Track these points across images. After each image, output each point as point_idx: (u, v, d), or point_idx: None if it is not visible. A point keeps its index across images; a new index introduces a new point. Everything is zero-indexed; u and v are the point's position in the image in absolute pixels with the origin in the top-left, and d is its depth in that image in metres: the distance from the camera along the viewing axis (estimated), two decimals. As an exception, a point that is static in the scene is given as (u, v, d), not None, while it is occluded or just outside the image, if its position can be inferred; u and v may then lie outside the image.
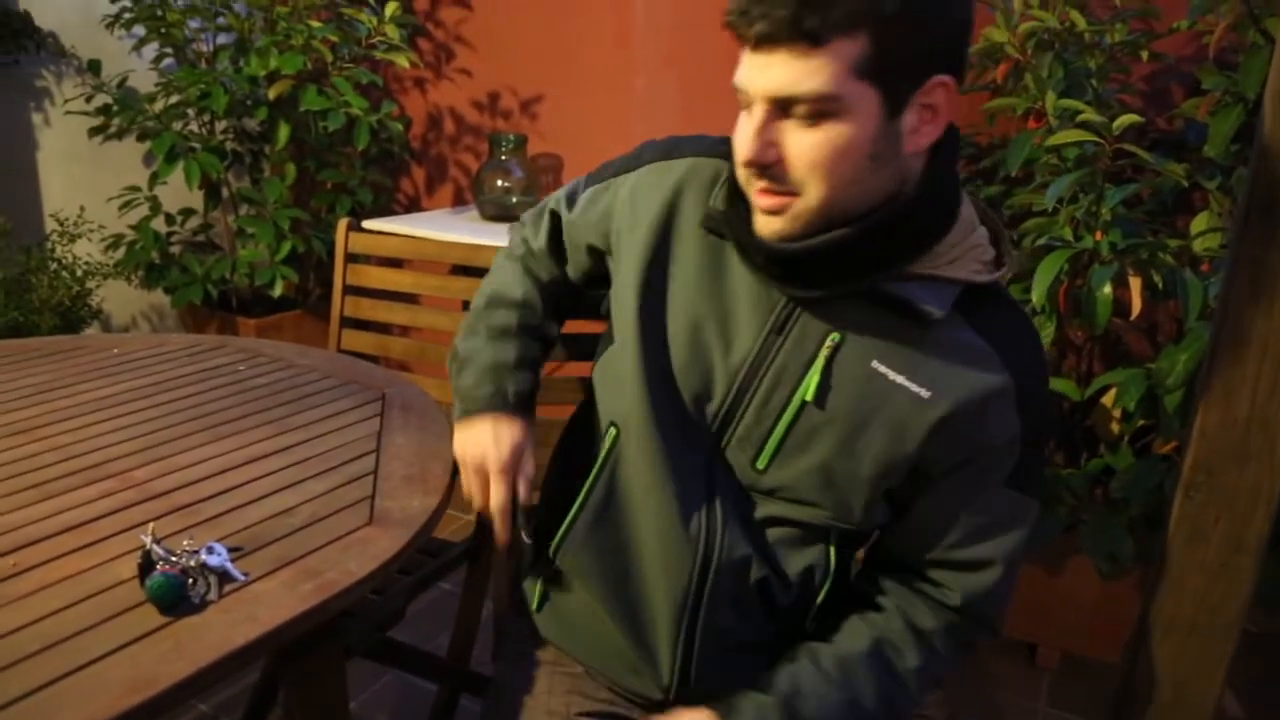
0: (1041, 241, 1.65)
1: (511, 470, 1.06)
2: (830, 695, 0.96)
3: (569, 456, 1.15)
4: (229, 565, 0.89)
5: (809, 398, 0.93)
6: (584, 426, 1.12)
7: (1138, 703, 1.17)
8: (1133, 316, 1.59)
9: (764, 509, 1.00)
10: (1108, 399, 1.90)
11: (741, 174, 0.90)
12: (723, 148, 1.00)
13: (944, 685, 0.93)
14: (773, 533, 1.01)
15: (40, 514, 1.01)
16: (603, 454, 1.04)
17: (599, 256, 1.12)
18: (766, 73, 0.81)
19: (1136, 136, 1.57)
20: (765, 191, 0.87)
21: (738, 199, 0.94)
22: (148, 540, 0.91)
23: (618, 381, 1.02)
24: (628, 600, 1.02)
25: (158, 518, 1.00)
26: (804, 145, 0.83)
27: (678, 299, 0.99)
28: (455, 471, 1.14)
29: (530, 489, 1.08)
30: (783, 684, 0.97)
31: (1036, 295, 1.58)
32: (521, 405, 1.10)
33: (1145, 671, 1.14)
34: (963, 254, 0.92)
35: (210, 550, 0.90)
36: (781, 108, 0.82)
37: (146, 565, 0.87)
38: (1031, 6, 1.79)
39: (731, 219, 0.95)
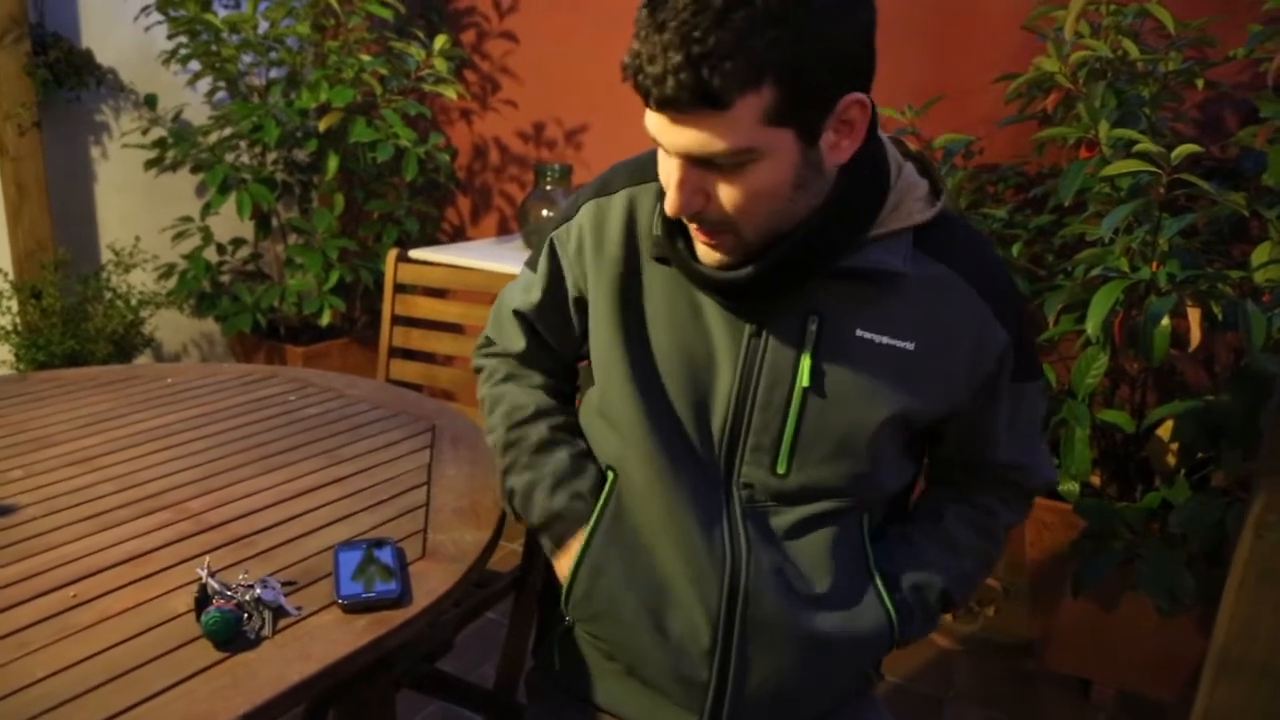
0: (1096, 272, 1.62)
1: None
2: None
3: None
4: (283, 600, 0.90)
5: (807, 384, 0.93)
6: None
7: (1206, 750, 1.13)
8: (1192, 348, 1.55)
9: (793, 515, 0.98)
10: (1163, 431, 1.86)
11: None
12: (652, 168, 1.00)
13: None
14: (808, 541, 0.99)
15: (99, 544, 1.02)
16: (601, 500, 1.03)
17: (580, 307, 1.09)
18: (677, 133, 0.81)
19: (1189, 165, 1.54)
20: (699, 230, 0.90)
21: (675, 227, 0.94)
22: (204, 574, 0.92)
23: (612, 425, 1.02)
24: (650, 645, 1.00)
25: (213, 549, 1.01)
26: (729, 192, 0.84)
27: (661, 329, 0.99)
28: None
29: None
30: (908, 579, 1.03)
31: (1091, 326, 1.55)
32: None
33: (1216, 716, 1.10)
34: (901, 199, 0.94)
35: (264, 584, 0.91)
36: (699, 161, 0.83)
37: (203, 600, 0.88)
38: (1083, 36, 1.77)
39: (671, 250, 0.95)
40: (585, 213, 1.04)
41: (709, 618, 0.97)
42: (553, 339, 1.14)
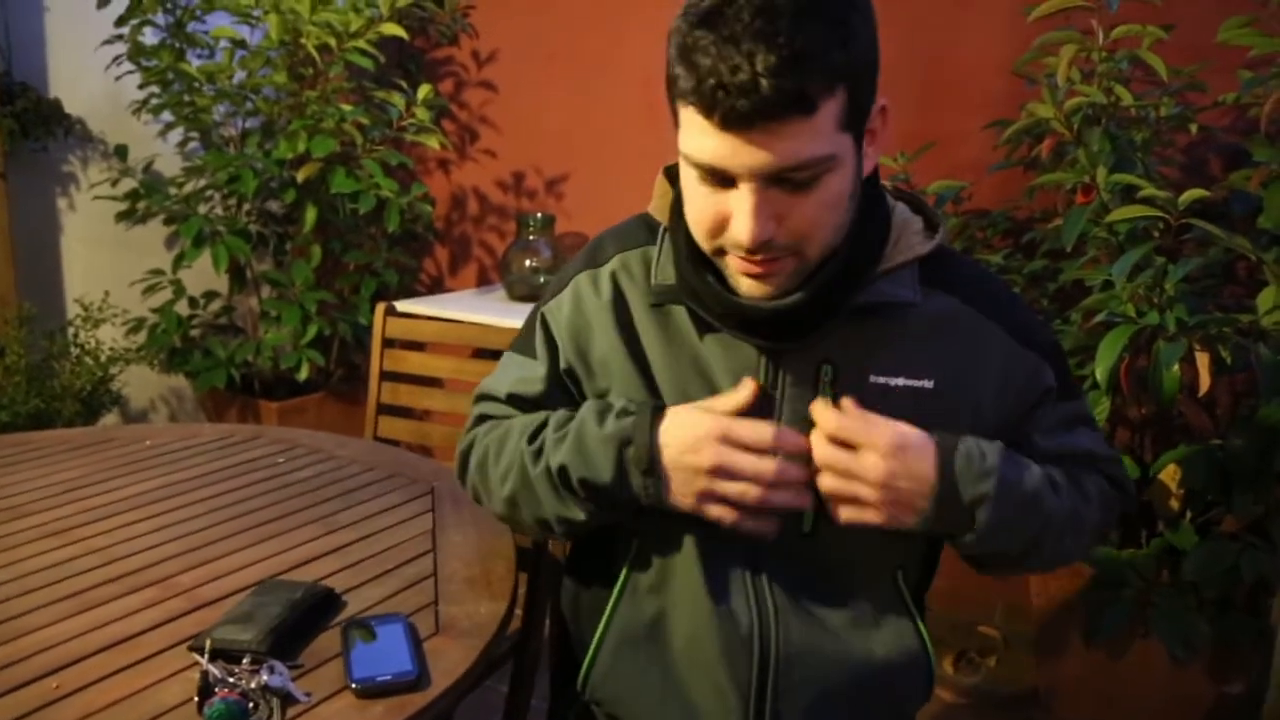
0: (1101, 317, 1.60)
1: (719, 437, 0.85)
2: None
3: (583, 570, 1.07)
4: (290, 686, 0.83)
5: None
6: (595, 537, 1.04)
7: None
8: (1201, 393, 1.53)
9: (824, 575, 0.94)
10: (1165, 475, 1.83)
11: (710, 245, 0.86)
12: (639, 234, 0.99)
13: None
14: (839, 600, 0.95)
15: (82, 627, 0.95)
16: (624, 570, 0.98)
17: (572, 378, 0.99)
18: (753, 151, 0.77)
19: (1187, 209, 1.55)
20: (759, 262, 0.84)
21: (699, 267, 0.89)
22: (203, 660, 0.84)
23: None
24: None
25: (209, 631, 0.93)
26: (804, 210, 0.81)
27: (667, 393, 0.93)
28: (518, 569, 1.09)
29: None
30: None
31: (1100, 372, 1.53)
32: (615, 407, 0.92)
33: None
34: (900, 234, 0.93)
35: (270, 669, 0.83)
36: (772, 178, 0.79)
37: (204, 689, 0.81)
38: (1075, 82, 1.78)
39: (696, 289, 0.89)
40: (580, 285, 0.99)
41: (740, 689, 0.92)
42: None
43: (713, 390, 0.92)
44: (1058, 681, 2.04)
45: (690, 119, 0.79)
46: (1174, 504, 1.85)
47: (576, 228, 2.91)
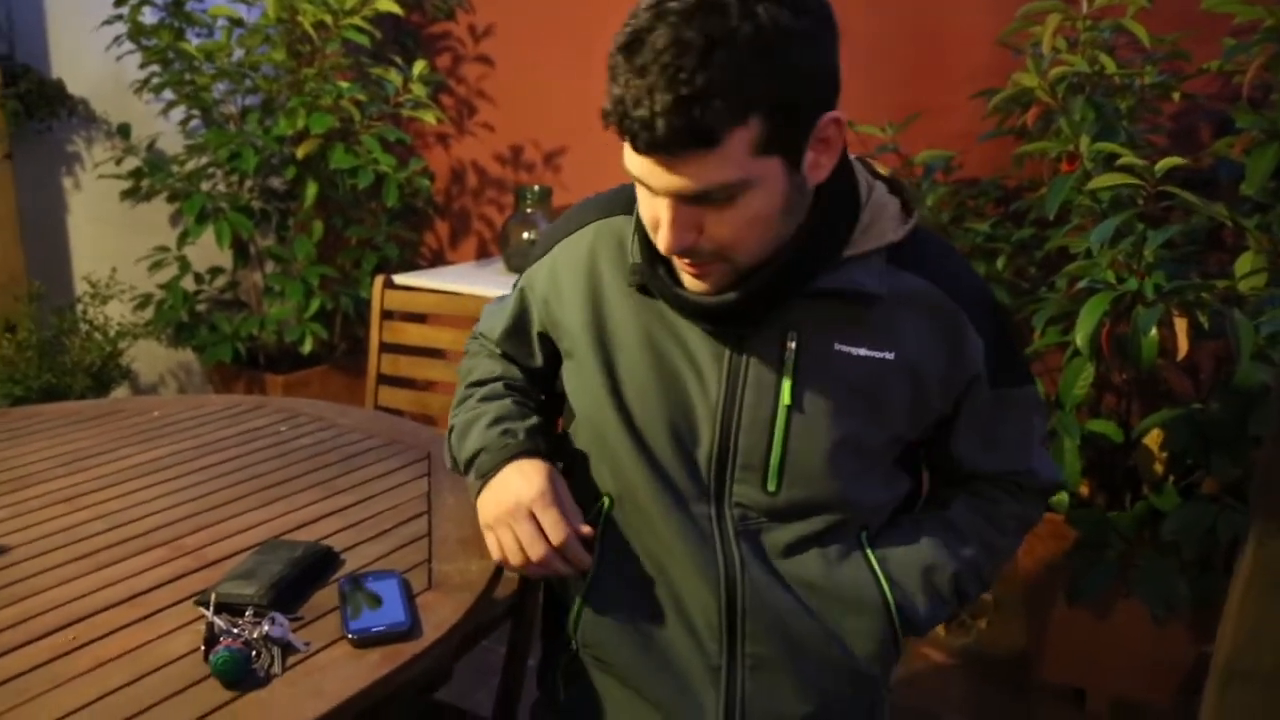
0: (1083, 284, 1.64)
1: (556, 500, 0.97)
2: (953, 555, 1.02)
3: None
4: (290, 636, 0.88)
5: (789, 402, 0.94)
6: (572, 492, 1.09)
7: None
8: (1180, 358, 1.57)
9: (788, 532, 0.99)
10: (1149, 439, 1.87)
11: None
12: (620, 203, 1.02)
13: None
14: (805, 557, 0.99)
15: (94, 585, 1.00)
16: (600, 527, 1.03)
17: (545, 341, 1.12)
18: (666, 176, 0.81)
19: (1165, 176, 1.58)
20: (690, 264, 0.89)
21: (655, 256, 0.94)
22: (209, 613, 0.89)
23: (602, 456, 1.02)
24: (656, 668, 1.01)
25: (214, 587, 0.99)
26: (722, 224, 0.85)
27: (638, 357, 0.99)
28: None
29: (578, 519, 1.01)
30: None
31: (1080, 338, 1.57)
32: (536, 442, 1.04)
33: (1223, 726, 1.10)
34: (875, 218, 0.95)
35: (272, 620, 0.88)
36: (690, 198, 0.83)
37: (210, 639, 0.86)
38: (1060, 51, 1.80)
39: (653, 278, 0.95)
40: (558, 251, 1.06)
41: (714, 636, 0.98)
42: (518, 359, 1.16)
43: (690, 364, 0.97)
44: (1044, 642, 2.09)
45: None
46: (1158, 467, 1.89)
47: (574, 200, 2.94)
